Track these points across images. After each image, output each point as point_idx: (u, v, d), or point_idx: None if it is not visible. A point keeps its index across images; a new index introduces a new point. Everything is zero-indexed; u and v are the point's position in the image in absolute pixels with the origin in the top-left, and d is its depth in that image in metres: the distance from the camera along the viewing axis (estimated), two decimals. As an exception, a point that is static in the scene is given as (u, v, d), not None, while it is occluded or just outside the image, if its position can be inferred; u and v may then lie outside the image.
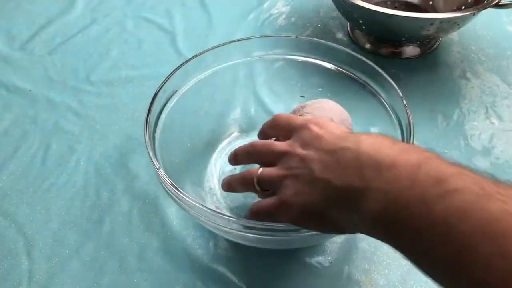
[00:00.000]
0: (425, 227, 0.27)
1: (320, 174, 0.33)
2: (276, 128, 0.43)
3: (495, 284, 0.23)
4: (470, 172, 0.27)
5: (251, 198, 0.48)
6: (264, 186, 0.39)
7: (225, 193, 0.50)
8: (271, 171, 0.38)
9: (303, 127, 0.38)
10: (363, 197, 0.30)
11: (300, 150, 0.36)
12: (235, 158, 0.44)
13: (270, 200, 0.38)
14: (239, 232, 0.41)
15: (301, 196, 0.35)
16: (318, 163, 0.34)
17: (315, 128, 0.37)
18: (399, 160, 0.30)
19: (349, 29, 0.75)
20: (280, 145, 0.39)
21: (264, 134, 0.45)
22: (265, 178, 0.39)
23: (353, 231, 0.35)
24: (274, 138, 0.43)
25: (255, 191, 0.41)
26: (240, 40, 0.55)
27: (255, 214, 0.40)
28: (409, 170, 0.29)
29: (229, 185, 0.44)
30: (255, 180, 0.39)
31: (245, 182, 0.41)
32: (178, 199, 0.42)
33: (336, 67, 0.54)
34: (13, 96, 0.66)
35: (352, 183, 0.31)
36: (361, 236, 0.50)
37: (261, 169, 0.40)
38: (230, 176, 0.45)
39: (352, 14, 0.65)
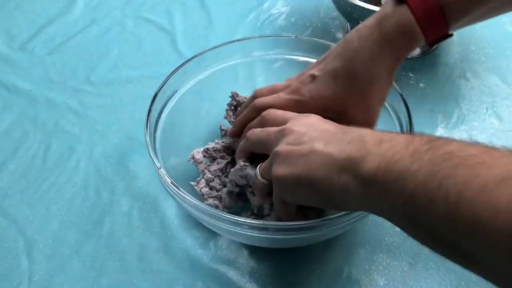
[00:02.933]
0: (412, 172, 0.29)
1: (320, 147, 0.35)
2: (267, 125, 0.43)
3: (469, 200, 0.25)
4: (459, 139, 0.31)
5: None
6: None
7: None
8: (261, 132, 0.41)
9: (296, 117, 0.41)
10: (362, 162, 0.32)
11: (298, 127, 0.39)
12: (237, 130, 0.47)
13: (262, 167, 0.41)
14: (239, 231, 0.41)
15: (296, 167, 0.36)
16: (319, 140, 0.36)
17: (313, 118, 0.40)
18: (397, 136, 0.32)
19: (349, 29, 0.75)
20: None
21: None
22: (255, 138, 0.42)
23: (343, 203, 0.36)
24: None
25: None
26: (240, 40, 0.56)
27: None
28: (405, 139, 0.31)
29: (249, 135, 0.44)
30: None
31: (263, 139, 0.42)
32: (179, 198, 0.43)
33: (336, 67, 0.54)
34: (13, 96, 0.66)
35: (354, 153, 0.33)
36: (361, 236, 0.50)
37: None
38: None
39: (352, 14, 0.65)
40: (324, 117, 0.41)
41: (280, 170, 0.37)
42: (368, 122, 0.43)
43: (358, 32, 0.42)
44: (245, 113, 0.47)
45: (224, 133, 0.55)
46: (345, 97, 0.42)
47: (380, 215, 0.33)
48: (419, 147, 0.30)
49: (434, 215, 0.27)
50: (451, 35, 0.40)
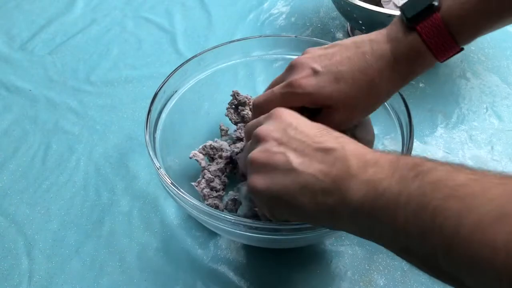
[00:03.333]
0: (403, 203, 0.28)
1: (300, 167, 0.34)
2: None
3: (465, 237, 0.25)
4: (444, 162, 0.30)
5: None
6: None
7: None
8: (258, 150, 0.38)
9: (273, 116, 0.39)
10: (348, 189, 0.31)
11: (272, 132, 0.37)
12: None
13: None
14: (239, 232, 0.41)
15: (272, 181, 0.35)
16: (296, 152, 0.35)
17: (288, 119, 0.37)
18: (382, 159, 0.32)
19: (349, 29, 0.75)
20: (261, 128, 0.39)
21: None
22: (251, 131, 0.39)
23: (330, 223, 0.34)
24: None
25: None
26: (240, 40, 0.56)
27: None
28: (389, 163, 0.31)
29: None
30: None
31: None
32: (179, 198, 0.43)
33: (336, 67, 0.54)
34: (13, 96, 0.66)
35: (339, 178, 0.32)
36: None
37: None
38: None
39: (352, 14, 0.65)
40: (314, 111, 0.41)
41: (255, 180, 0.36)
42: (352, 123, 0.44)
43: (371, 45, 0.41)
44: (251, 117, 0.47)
45: (224, 133, 0.55)
46: (343, 100, 0.42)
47: (373, 241, 0.32)
48: (405, 173, 0.29)
49: (430, 246, 0.27)
50: (463, 49, 0.41)
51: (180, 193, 0.42)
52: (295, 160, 0.34)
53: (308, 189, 0.33)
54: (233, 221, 0.40)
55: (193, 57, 0.53)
